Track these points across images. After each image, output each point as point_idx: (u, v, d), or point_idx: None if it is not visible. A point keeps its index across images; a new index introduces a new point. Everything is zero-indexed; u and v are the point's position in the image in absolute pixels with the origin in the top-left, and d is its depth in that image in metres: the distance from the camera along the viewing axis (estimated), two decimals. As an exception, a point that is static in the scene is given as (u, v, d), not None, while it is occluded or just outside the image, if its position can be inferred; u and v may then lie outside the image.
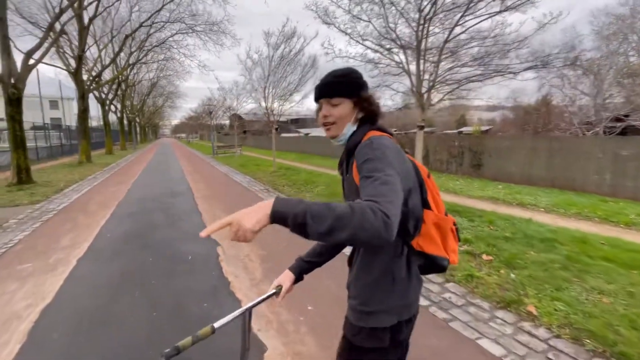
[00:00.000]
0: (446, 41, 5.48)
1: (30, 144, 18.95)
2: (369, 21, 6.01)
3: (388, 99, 8.40)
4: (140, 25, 15.75)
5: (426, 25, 5.47)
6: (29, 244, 4.52)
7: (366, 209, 0.68)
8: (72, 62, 15.07)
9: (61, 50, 15.69)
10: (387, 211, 0.69)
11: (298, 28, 10.58)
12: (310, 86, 12.94)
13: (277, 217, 0.69)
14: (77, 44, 14.73)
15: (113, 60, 17.91)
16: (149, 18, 15.53)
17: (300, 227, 0.68)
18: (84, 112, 15.45)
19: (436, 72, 5.64)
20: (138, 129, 46.36)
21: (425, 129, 7.50)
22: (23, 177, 8.66)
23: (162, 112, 65.68)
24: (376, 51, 6.31)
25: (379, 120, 1.06)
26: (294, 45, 11.23)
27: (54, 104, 55.31)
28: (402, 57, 6.01)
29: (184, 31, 18.04)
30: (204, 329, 0.82)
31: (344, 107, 1.03)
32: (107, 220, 5.63)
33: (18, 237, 4.78)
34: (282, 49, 11.15)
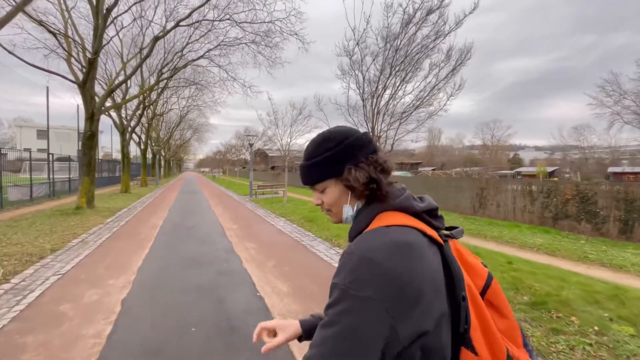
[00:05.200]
0: None
1: (24, 175, 14.82)
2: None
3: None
4: (177, 24, 11.82)
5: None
6: None
7: None
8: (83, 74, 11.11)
9: (72, 57, 11.85)
10: None
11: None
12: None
13: None
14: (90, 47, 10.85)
15: (139, 66, 13.85)
16: (190, 14, 11.57)
17: None
18: (90, 139, 11.12)
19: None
20: (162, 162, 43.17)
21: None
22: None
23: (188, 146, 63.52)
24: None
25: (391, 198, 0.68)
26: (433, 29, 6.61)
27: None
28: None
29: (232, 43, 14.14)
30: None
31: (332, 191, 0.74)
32: None
33: None
34: (413, 32, 6.50)
